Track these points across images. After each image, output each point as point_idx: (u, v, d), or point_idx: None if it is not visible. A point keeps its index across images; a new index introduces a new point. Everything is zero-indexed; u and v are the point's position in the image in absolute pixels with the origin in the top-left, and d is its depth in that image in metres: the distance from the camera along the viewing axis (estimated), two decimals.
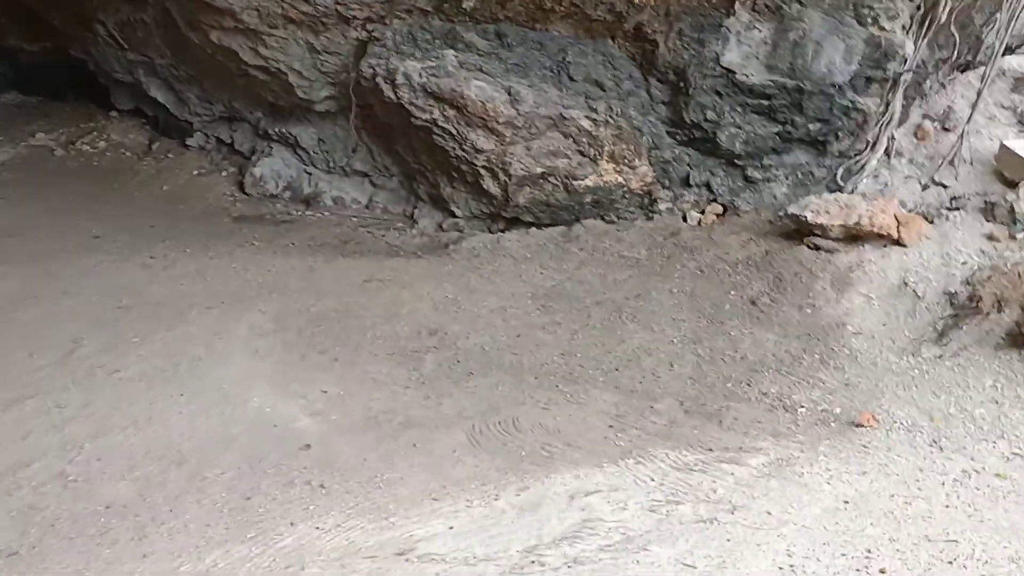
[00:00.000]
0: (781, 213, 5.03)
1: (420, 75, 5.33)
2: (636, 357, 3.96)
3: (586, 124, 5.26)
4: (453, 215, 5.98)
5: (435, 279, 4.99)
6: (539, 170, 5.38)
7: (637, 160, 5.38)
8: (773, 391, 3.80)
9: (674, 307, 4.42)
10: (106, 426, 3.28)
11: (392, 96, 5.46)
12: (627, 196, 5.44)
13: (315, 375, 3.83)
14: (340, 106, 6.13)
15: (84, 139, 8.03)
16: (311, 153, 6.69)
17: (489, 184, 5.52)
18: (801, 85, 5.08)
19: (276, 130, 6.75)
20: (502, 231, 5.74)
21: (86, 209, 6.66)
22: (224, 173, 7.19)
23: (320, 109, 6.27)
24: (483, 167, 5.46)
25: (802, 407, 3.69)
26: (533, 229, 5.62)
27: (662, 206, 5.45)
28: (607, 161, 5.35)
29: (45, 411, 3.40)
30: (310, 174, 6.78)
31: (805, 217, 4.75)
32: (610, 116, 5.26)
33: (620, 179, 5.39)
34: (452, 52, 5.35)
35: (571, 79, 5.27)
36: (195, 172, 7.28)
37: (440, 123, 5.38)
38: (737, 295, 4.53)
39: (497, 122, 5.24)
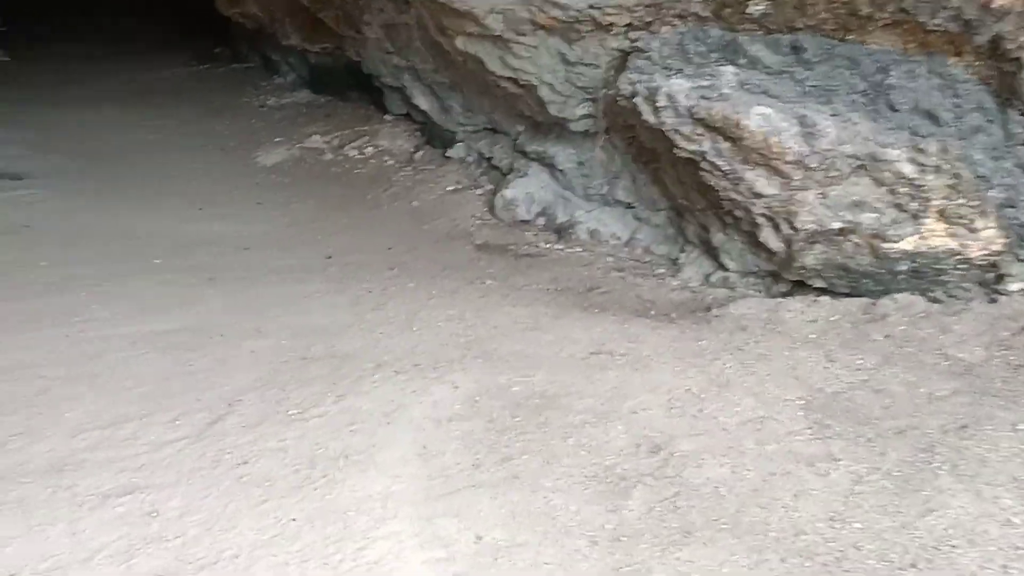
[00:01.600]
0: None
1: (687, 96, 4.20)
2: (949, 546, 2.59)
3: (908, 169, 3.87)
4: (724, 268, 4.79)
5: (680, 360, 3.85)
6: (836, 225, 4.07)
7: (979, 220, 3.91)
8: None
9: (1021, 455, 2.98)
10: (180, 562, 2.51)
11: (652, 120, 4.38)
12: (961, 267, 3.98)
13: (478, 504, 2.86)
14: (600, 125, 5.13)
15: (354, 143, 7.67)
16: (569, 177, 5.75)
17: (768, 236, 4.29)
18: None
19: (534, 148, 5.88)
20: (783, 295, 4.47)
21: (331, 223, 6.20)
22: (479, 191, 6.45)
23: (577, 128, 5.31)
24: (762, 215, 4.23)
25: None
26: (824, 298, 4.31)
27: (1013, 286, 3.93)
28: (935, 219, 3.93)
29: (130, 519, 2.70)
30: (567, 200, 5.85)
31: None
32: (944, 159, 3.83)
33: (953, 244, 3.95)
34: (731, 69, 4.17)
35: (892, 108, 3.89)
36: (450, 188, 6.61)
37: (709, 156, 4.22)
38: None
39: (784, 160, 3.99)
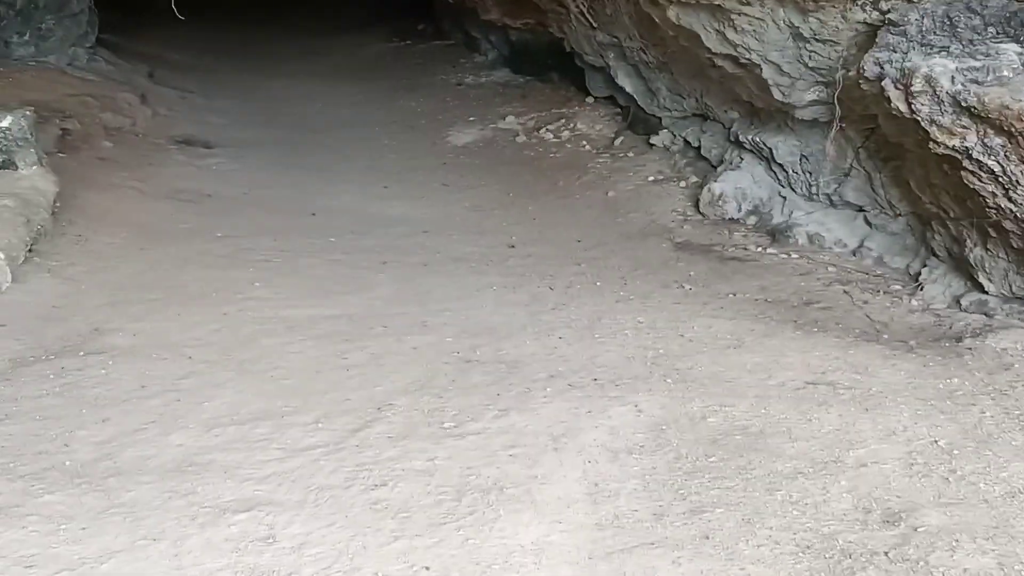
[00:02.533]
0: None
1: (953, 80, 3.40)
2: None
3: None
4: (980, 289, 3.95)
5: (923, 402, 3.11)
6: None
7: None
8: None
9: None
10: None
11: (903, 108, 3.61)
12: None
13: (656, 570, 2.26)
14: (832, 114, 4.36)
15: (550, 126, 7.18)
16: (789, 172, 5.01)
17: None
18: None
19: (749, 138, 5.17)
20: None
21: (517, 209, 5.73)
22: (683, 183, 5.80)
23: (804, 116, 4.57)
24: None
25: None
26: None
27: None
28: None
29: (241, 544, 2.28)
30: (784, 198, 5.12)
31: None
32: None
33: None
34: (1015, 48, 3.34)
35: None
36: (650, 178, 5.99)
37: (976, 154, 3.41)
38: None
39: None
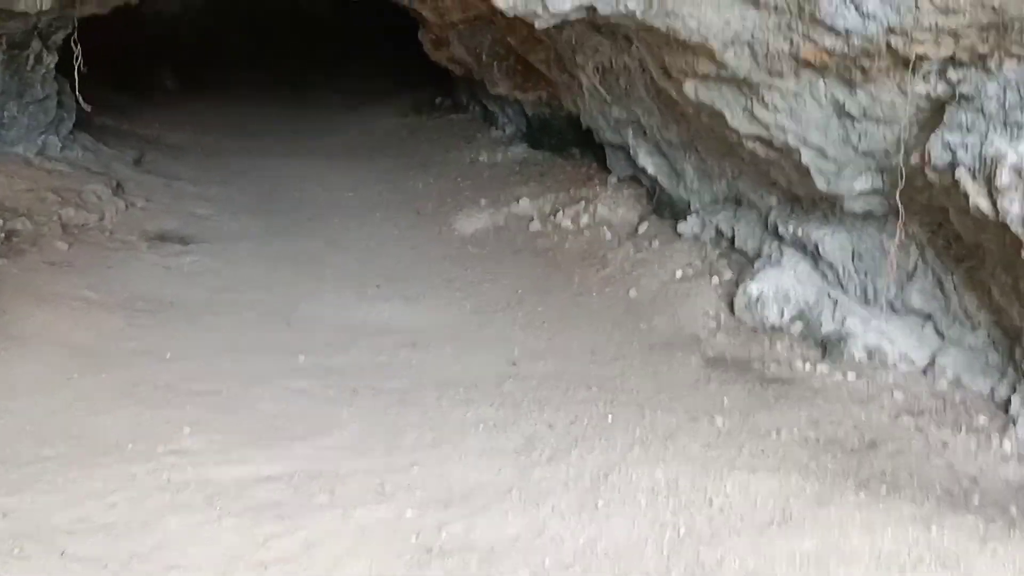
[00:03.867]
0: None
1: None
2: None
3: None
4: None
5: None
6: None
7: None
8: None
9: None
10: None
11: (984, 205, 2.83)
12: None
13: None
14: (889, 205, 3.56)
15: (568, 210, 6.43)
16: (839, 270, 4.20)
17: None
18: None
19: (790, 230, 4.38)
20: None
21: (525, 312, 4.99)
22: (715, 280, 5.00)
23: (855, 208, 3.79)
24: None
25: None
26: None
27: None
28: None
29: None
30: (835, 302, 4.29)
31: None
32: None
33: None
34: None
35: None
36: (678, 272, 5.20)
37: None
38: None
39: None
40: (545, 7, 3.26)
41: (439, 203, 7.08)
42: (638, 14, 3.22)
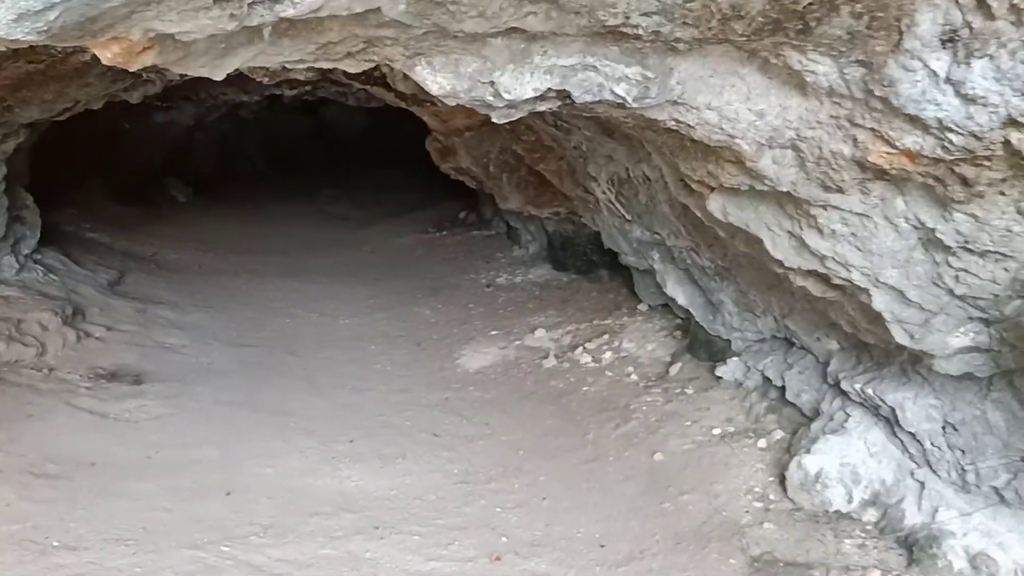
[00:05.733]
0: None
1: None
2: None
3: None
4: None
5: None
6: None
7: None
8: None
9: None
10: None
11: None
12: None
13: None
14: (997, 366, 2.54)
15: (589, 344, 5.50)
16: (925, 444, 3.15)
17: None
18: None
19: (858, 387, 3.35)
20: None
21: (524, 482, 4.06)
22: (761, 442, 3.99)
23: (948, 368, 2.75)
24: None
25: None
26: None
27: None
28: None
29: None
30: (921, 484, 3.25)
31: None
32: None
33: None
34: None
35: None
36: (715, 430, 4.21)
37: None
38: None
39: None
40: (498, 93, 2.39)
41: (444, 333, 6.17)
42: (630, 101, 2.33)
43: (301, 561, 3.30)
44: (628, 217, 4.22)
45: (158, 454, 4.23)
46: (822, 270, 2.73)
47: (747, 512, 3.56)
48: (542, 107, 2.55)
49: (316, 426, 4.64)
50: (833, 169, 2.35)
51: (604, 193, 4.17)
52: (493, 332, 6.02)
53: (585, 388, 5.02)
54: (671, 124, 2.45)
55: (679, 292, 4.53)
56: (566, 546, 3.45)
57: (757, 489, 3.69)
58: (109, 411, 4.65)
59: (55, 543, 3.32)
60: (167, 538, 3.41)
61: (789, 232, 2.71)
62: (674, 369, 4.89)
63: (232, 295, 7.14)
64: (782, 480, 3.63)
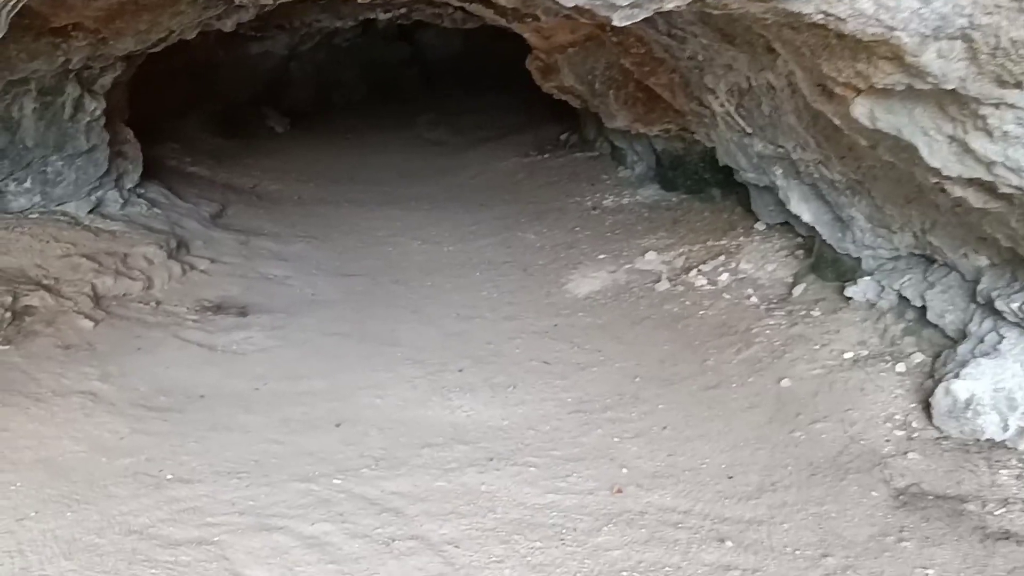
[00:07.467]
0: None
1: None
2: None
3: None
4: None
5: None
6: None
7: None
8: None
9: None
10: None
11: None
12: None
13: None
14: None
15: (704, 266, 5.22)
16: None
17: None
18: None
19: (1015, 306, 3.03)
20: None
21: (642, 410, 3.88)
22: (900, 367, 3.69)
23: None
24: None
25: None
26: None
27: None
28: None
29: None
30: None
31: None
32: None
33: None
34: None
35: None
36: (847, 354, 3.93)
37: None
38: None
39: None
40: None
41: (551, 259, 5.96)
42: None
43: (415, 494, 3.19)
44: (749, 130, 3.91)
45: (266, 386, 4.18)
46: (988, 178, 2.41)
47: (888, 441, 3.29)
48: (669, 5, 2.27)
49: (424, 356, 4.52)
50: (1012, 61, 2.02)
51: (722, 106, 3.86)
52: (601, 256, 5.78)
53: (702, 312, 4.77)
54: (818, 18, 2.14)
55: (804, 209, 4.21)
56: (691, 477, 3.25)
57: (898, 416, 3.41)
58: (216, 343, 4.62)
59: (169, 476, 3.29)
60: (279, 471, 3.34)
61: (950, 136, 2.39)
62: (798, 290, 4.59)
63: (333, 225, 7.06)
64: (926, 407, 3.35)
